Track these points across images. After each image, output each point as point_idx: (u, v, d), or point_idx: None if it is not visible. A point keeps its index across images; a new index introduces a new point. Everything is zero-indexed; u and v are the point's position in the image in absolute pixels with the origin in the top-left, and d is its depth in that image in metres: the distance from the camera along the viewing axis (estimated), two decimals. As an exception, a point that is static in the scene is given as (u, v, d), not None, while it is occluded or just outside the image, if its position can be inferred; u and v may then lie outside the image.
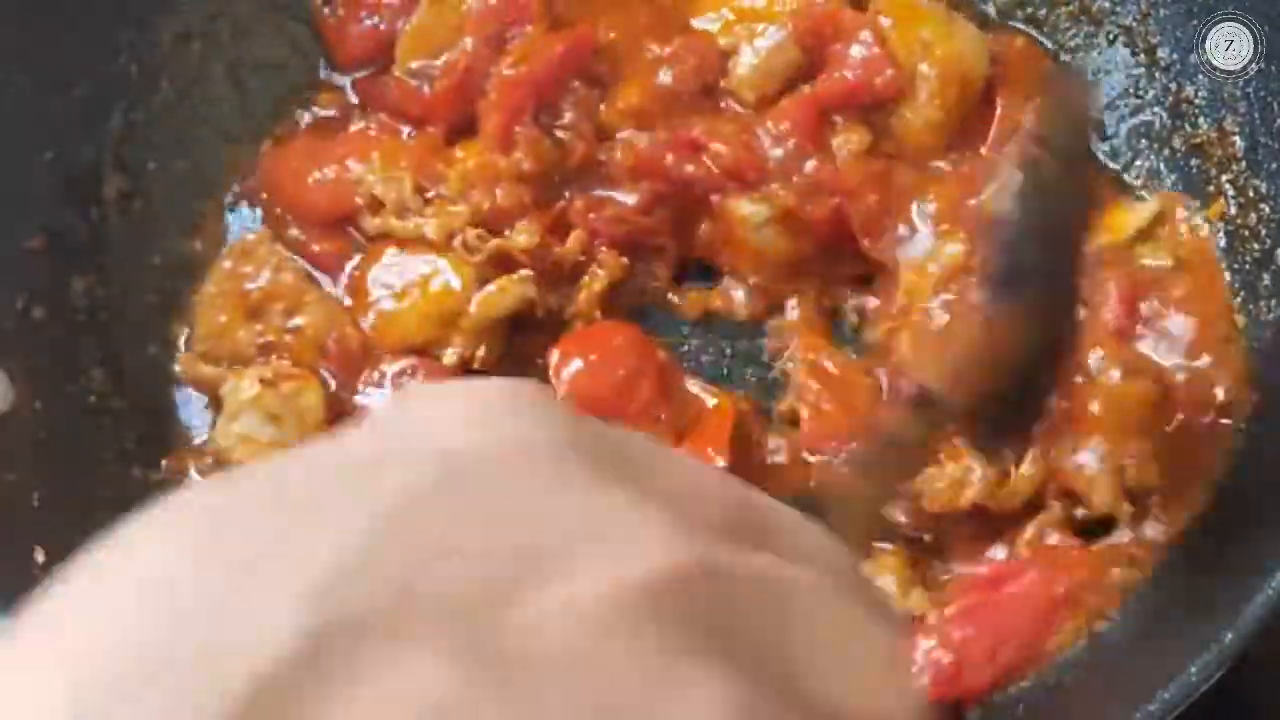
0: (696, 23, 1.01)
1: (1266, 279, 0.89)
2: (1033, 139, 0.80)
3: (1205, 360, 0.89)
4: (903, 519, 0.88)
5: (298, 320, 0.94)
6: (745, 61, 0.97)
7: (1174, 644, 0.76)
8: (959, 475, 0.86)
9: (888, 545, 0.87)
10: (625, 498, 0.38)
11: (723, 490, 0.43)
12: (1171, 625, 0.79)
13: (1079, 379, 0.87)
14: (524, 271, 0.93)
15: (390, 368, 0.94)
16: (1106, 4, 0.99)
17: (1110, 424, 0.86)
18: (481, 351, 0.93)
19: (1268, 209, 0.90)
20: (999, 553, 0.87)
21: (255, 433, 0.90)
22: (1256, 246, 0.91)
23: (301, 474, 0.39)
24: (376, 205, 0.95)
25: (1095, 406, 0.86)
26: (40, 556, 0.79)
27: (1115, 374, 0.87)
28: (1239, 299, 0.91)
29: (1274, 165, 0.90)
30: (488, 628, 0.34)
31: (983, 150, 0.96)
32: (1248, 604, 0.72)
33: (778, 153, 0.95)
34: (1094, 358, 0.88)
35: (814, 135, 0.95)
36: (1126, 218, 0.95)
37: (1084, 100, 0.87)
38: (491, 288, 0.92)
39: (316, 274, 0.98)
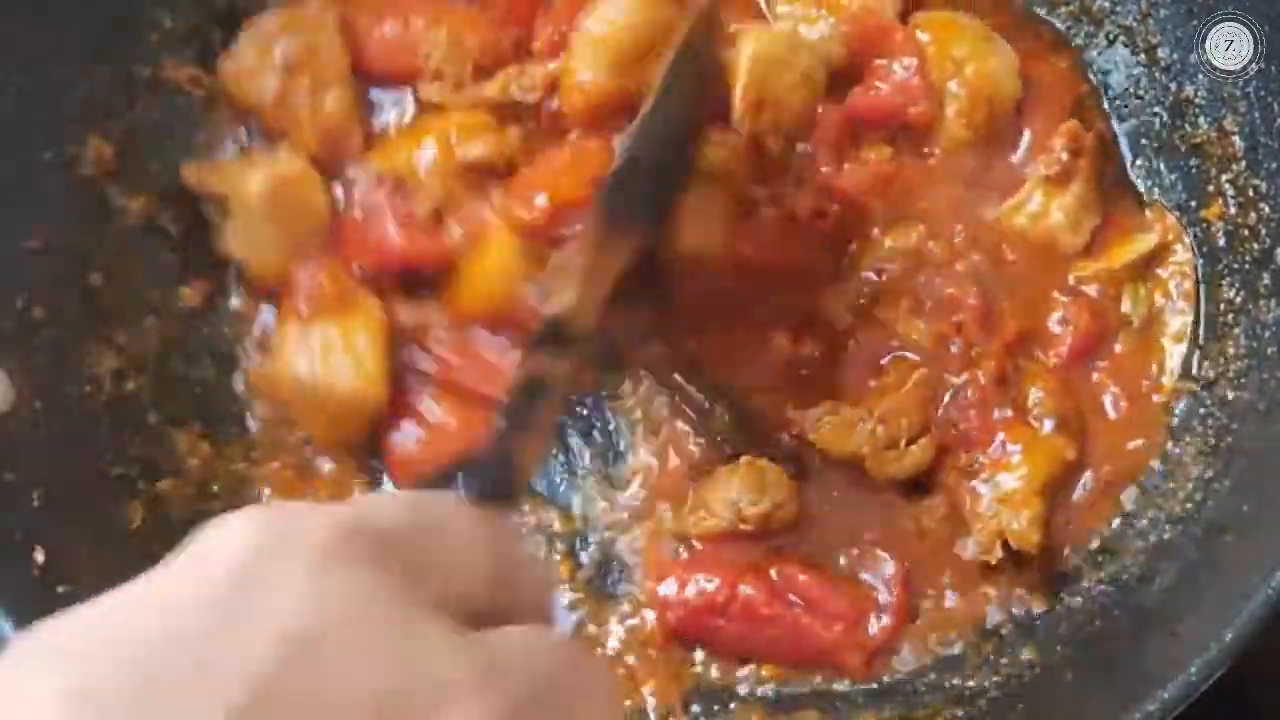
0: None
1: (1266, 279, 0.89)
2: (657, 86, 0.82)
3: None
4: (784, 437, 0.90)
5: (319, 98, 0.96)
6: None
7: (1174, 644, 0.76)
8: (849, 419, 0.88)
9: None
10: (424, 643, 0.43)
11: (485, 553, 0.49)
12: (1172, 625, 0.79)
13: (1010, 412, 0.89)
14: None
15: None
16: (1106, 4, 0.99)
17: (1025, 472, 0.87)
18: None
19: (1268, 209, 0.90)
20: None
21: (261, 234, 0.93)
22: (1256, 246, 0.91)
23: (151, 657, 0.42)
24: (438, 74, 0.97)
25: (1016, 451, 0.88)
26: (40, 557, 0.79)
27: (1049, 424, 0.89)
28: (1239, 298, 0.91)
29: (1274, 165, 0.90)
30: None
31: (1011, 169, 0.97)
32: (1248, 604, 0.72)
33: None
34: (1034, 395, 0.89)
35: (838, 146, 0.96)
36: (1124, 248, 0.95)
37: (708, 44, 0.87)
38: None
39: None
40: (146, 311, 0.95)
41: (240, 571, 0.43)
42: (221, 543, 0.45)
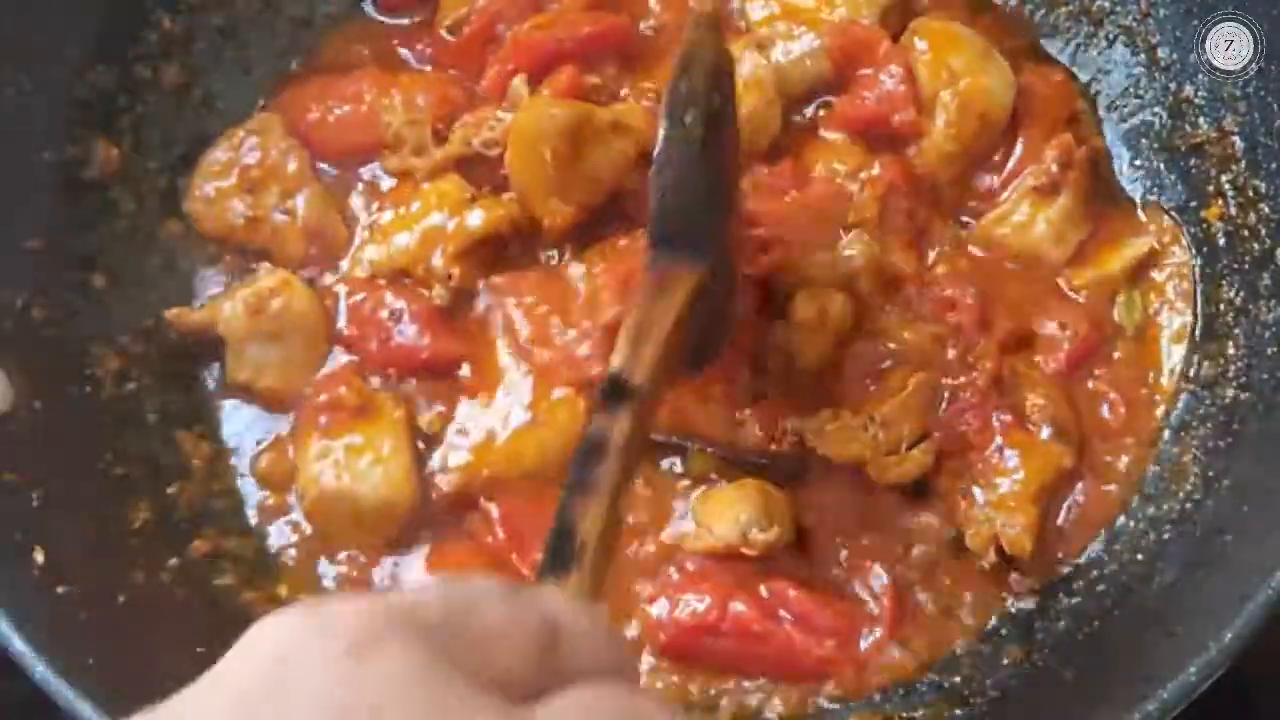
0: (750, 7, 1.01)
1: (1266, 279, 0.89)
2: (670, 99, 0.80)
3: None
4: (783, 447, 0.89)
5: (291, 204, 0.96)
6: (774, 60, 0.97)
7: (1173, 644, 0.76)
8: (851, 425, 0.88)
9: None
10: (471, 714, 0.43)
11: (526, 631, 0.47)
12: (1171, 625, 0.79)
13: (1008, 416, 0.89)
14: (507, 196, 0.94)
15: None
16: (1106, 4, 0.99)
17: (1021, 478, 0.88)
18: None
19: (1268, 209, 0.90)
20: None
21: (265, 356, 0.93)
22: (1256, 246, 0.91)
23: None
24: (399, 141, 0.98)
25: (1013, 457, 0.88)
26: (40, 557, 0.79)
27: (1048, 430, 0.89)
28: (1239, 298, 0.91)
29: (1274, 165, 0.90)
30: None
31: (996, 181, 0.97)
32: (1247, 602, 0.72)
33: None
34: (1032, 402, 0.89)
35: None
36: (1119, 253, 0.95)
37: (719, 53, 0.85)
38: (477, 212, 0.93)
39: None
40: (147, 312, 0.95)
41: (277, 663, 0.44)
42: (261, 638, 0.45)
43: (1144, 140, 0.98)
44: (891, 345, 0.91)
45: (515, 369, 0.93)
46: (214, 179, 0.97)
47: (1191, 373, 0.92)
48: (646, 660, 0.87)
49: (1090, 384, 0.93)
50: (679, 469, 0.91)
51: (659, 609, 0.87)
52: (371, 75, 1.00)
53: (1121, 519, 0.90)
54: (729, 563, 0.87)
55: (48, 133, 0.93)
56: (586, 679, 0.47)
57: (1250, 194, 0.91)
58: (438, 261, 0.93)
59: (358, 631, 0.44)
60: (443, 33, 1.03)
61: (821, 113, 0.98)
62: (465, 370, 0.94)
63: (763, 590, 0.86)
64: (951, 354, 0.91)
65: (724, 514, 0.87)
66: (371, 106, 0.99)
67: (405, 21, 1.05)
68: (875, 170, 0.95)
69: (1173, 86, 0.96)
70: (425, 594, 0.47)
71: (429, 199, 0.95)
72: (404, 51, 1.04)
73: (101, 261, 0.94)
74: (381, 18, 1.05)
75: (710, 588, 0.86)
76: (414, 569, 0.90)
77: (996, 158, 0.97)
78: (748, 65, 0.95)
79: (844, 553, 0.89)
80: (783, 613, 0.86)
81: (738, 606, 0.85)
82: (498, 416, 0.92)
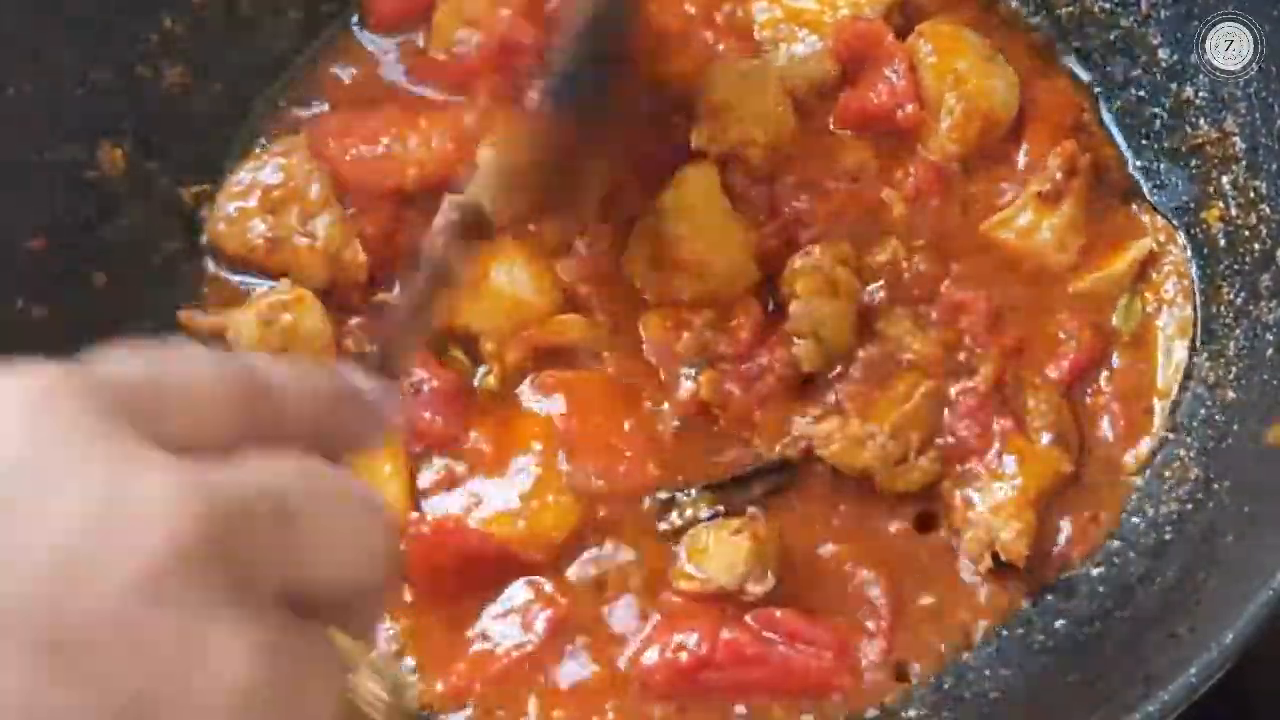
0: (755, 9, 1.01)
1: (1266, 279, 0.89)
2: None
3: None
4: (791, 453, 0.89)
5: (312, 226, 0.95)
6: (778, 63, 0.97)
7: (1174, 645, 0.76)
8: (859, 435, 0.88)
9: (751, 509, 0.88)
10: (134, 468, 0.43)
11: (223, 386, 0.47)
12: (1171, 626, 0.79)
13: (1008, 422, 0.88)
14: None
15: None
16: (1107, 5, 0.99)
17: (1019, 484, 0.87)
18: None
19: (1268, 209, 0.90)
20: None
21: None
22: (1257, 246, 0.91)
23: None
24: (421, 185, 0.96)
25: (1011, 462, 0.88)
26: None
27: (1047, 437, 0.89)
28: (1239, 299, 0.91)
29: (1274, 165, 0.90)
30: (51, 620, 0.40)
31: (1003, 185, 0.97)
32: (1247, 603, 0.72)
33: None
34: (1033, 406, 0.89)
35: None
36: (1121, 256, 0.95)
37: None
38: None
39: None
40: (147, 313, 0.95)
41: None
42: None
43: (1144, 141, 0.98)
44: (903, 355, 0.91)
45: (529, 464, 0.92)
46: (236, 199, 0.97)
47: (1192, 373, 0.92)
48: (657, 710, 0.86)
49: (1091, 389, 0.93)
50: (674, 521, 0.90)
51: (649, 655, 0.86)
52: (386, 117, 0.99)
53: (1121, 519, 0.90)
54: (715, 598, 0.86)
55: (48, 133, 0.93)
56: (292, 446, 0.47)
57: (1250, 195, 0.91)
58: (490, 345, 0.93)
59: (43, 388, 0.44)
60: (444, 50, 1.02)
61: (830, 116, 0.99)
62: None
63: (748, 618, 0.85)
64: (961, 358, 0.91)
65: (716, 560, 0.86)
66: (391, 150, 0.98)
67: (399, 38, 1.04)
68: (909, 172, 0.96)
69: (1173, 87, 0.96)
70: (130, 360, 0.47)
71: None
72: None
73: (102, 261, 0.94)
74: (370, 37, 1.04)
75: (697, 623, 0.85)
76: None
77: (1002, 164, 0.97)
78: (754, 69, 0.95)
79: (835, 560, 0.88)
80: (773, 635, 0.85)
81: (727, 634, 0.84)
82: (488, 489, 0.91)
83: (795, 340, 0.90)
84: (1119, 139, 0.99)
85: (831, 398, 0.91)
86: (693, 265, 0.93)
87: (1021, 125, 0.98)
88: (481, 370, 0.93)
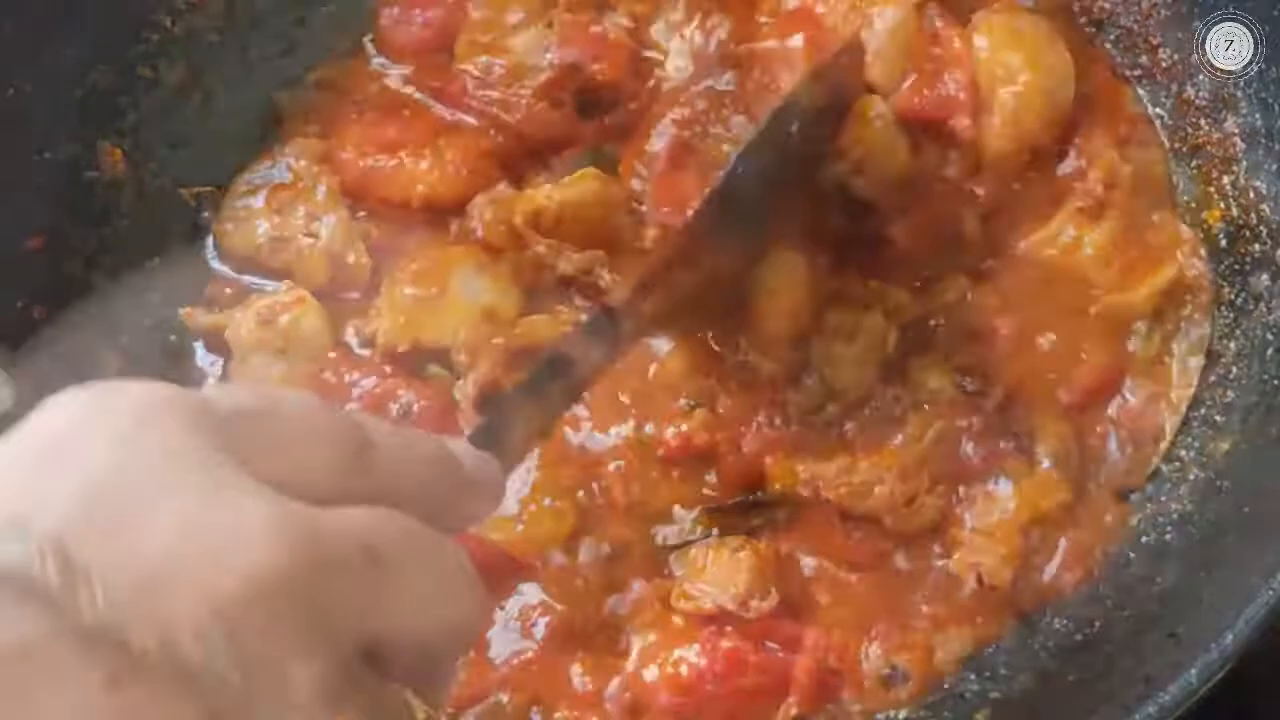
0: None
1: (1266, 279, 0.89)
2: (789, 103, 0.82)
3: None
4: (803, 492, 0.88)
5: (316, 227, 0.95)
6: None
7: (1174, 646, 0.76)
8: (868, 479, 0.87)
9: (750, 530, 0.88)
10: (232, 496, 0.42)
11: (330, 439, 0.47)
12: (1171, 626, 0.79)
13: (1010, 443, 0.88)
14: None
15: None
16: (1108, 5, 0.99)
17: (1012, 508, 0.86)
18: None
19: (1268, 209, 0.90)
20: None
21: (267, 370, 0.92)
22: (1257, 247, 0.90)
23: None
24: (427, 204, 0.96)
25: (1007, 485, 0.87)
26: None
27: (1048, 462, 0.88)
28: (1239, 299, 0.91)
29: (1274, 165, 0.90)
30: (121, 639, 0.40)
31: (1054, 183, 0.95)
32: (1248, 604, 0.72)
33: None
34: (1039, 424, 0.88)
35: None
36: (1149, 279, 0.92)
37: (855, 78, 0.87)
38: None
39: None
40: (147, 312, 0.95)
41: (58, 436, 0.44)
42: (51, 411, 0.45)
43: (1144, 141, 0.98)
44: (918, 397, 0.89)
45: (525, 469, 0.90)
46: (244, 197, 0.97)
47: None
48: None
49: (1100, 418, 0.91)
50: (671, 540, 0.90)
51: (650, 673, 0.85)
52: (404, 130, 0.99)
53: (1117, 525, 0.90)
54: (715, 618, 0.85)
55: (48, 133, 0.93)
56: (390, 502, 0.47)
57: (1250, 194, 0.91)
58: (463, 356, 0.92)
59: (142, 409, 0.44)
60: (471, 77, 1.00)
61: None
62: None
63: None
64: (970, 387, 0.90)
65: (718, 578, 0.86)
66: (404, 165, 0.97)
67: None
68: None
69: (1173, 87, 0.96)
70: (234, 393, 0.47)
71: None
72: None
73: (102, 261, 0.94)
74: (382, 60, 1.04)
75: (697, 635, 0.84)
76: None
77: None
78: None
79: (833, 569, 0.88)
80: (770, 644, 0.85)
81: (726, 644, 0.84)
82: None
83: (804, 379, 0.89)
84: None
85: (837, 433, 0.89)
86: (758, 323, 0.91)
87: (1073, 127, 0.95)
88: (460, 383, 0.92)
